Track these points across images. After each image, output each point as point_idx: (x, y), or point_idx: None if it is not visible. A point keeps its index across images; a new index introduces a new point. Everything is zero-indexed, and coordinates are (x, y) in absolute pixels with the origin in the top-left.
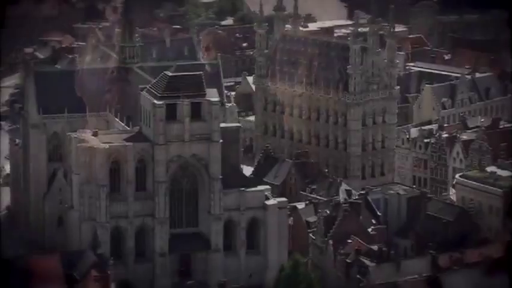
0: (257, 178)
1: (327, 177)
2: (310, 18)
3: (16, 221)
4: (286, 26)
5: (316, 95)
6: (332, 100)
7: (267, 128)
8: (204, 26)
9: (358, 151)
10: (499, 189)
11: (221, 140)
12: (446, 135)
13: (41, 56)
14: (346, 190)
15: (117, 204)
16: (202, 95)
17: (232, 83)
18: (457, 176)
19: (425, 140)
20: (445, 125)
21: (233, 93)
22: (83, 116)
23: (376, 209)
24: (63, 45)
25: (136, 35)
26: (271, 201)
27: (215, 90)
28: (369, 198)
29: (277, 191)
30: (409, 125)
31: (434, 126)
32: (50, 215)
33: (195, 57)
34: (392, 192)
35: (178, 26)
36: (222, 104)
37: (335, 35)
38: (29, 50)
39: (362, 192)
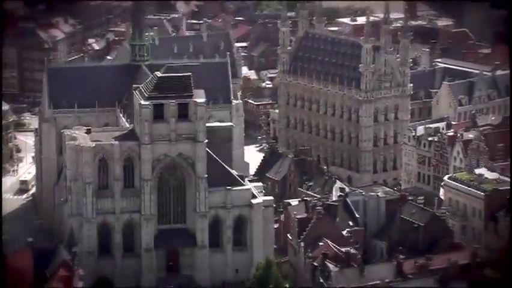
0: (260, 173)
1: (324, 174)
2: (367, 12)
3: (36, 209)
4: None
5: (332, 92)
6: (345, 97)
7: (289, 121)
8: (267, 17)
9: (369, 146)
10: (482, 192)
11: (206, 140)
12: (451, 133)
13: (96, 48)
14: (340, 188)
15: (105, 201)
16: (189, 96)
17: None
18: (445, 177)
19: (429, 138)
20: (454, 122)
21: (271, 85)
22: (93, 111)
23: (355, 211)
24: (118, 38)
25: (146, 33)
26: (257, 200)
27: (202, 91)
28: (348, 200)
29: (278, 187)
30: (416, 122)
31: (441, 124)
32: (58, 206)
33: (231, 52)
34: (371, 194)
35: (240, 18)
36: (230, 101)
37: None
38: (91, 40)
39: (342, 194)
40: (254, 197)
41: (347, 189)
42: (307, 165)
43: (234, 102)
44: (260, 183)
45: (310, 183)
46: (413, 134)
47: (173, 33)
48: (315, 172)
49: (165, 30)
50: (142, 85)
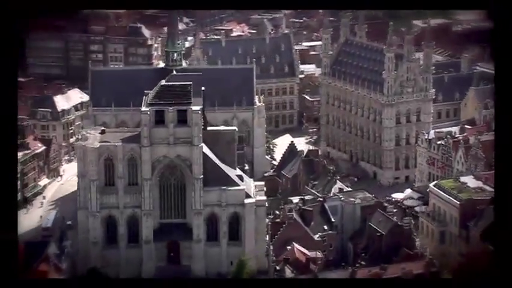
0: (279, 169)
1: (327, 174)
2: (443, 14)
3: None
4: None
5: (361, 94)
6: (371, 100)
7: (329, 118)
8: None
9: (391, 146)
10: (457, 201)
11: (202, 144)
12: (461, 137)
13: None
14: (339, 188)
15: (110, 196)
16: (188, 103)
17: None
18: (430, 184)
19: (438, 142)
20: (468, 127)
21: None
22: (128, 110)
23: (332, 216)
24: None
25: (178, 41)
26: (250, 200)
27: (200, 99)
28: (326, 205)
29: (290, 184)
30: (431, 126)
31: (454, 128)
32: None
33: (290, 53)
34: (351, 199)
35: (332, 18)
36: (253, 103)
37: None
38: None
39: (320, 199)
40: (248, 196)
41: (346, 190)
42: (315, 165)
43: (257, 104)
44: (262, 182)
45: (315, 182)
46: (426, 137)
47: (272, 32)
48: (321, 172)
49: (264, 29)
50: (150, 92)
